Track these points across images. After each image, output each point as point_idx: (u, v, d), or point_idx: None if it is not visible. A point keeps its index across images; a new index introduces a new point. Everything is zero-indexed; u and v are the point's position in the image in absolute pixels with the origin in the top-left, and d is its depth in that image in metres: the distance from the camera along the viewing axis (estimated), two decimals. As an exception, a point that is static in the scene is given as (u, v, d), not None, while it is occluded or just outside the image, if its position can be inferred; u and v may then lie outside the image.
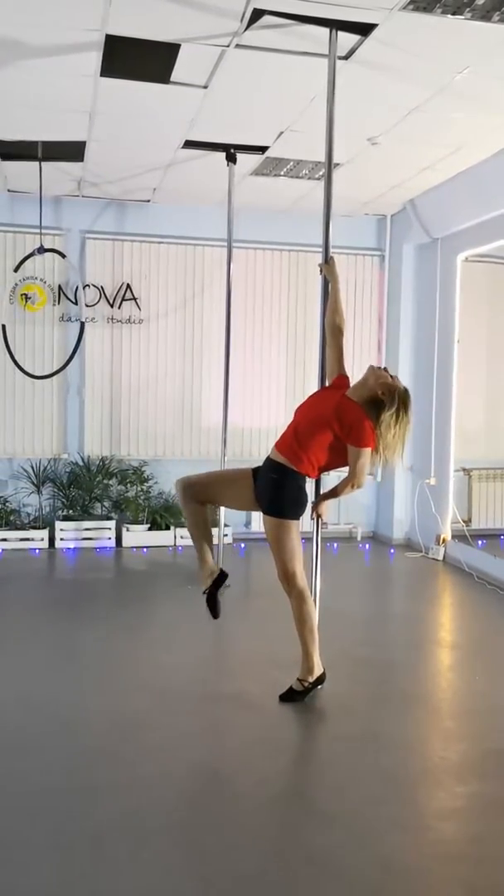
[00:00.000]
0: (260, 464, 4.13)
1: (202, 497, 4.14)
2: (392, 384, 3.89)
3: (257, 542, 7.71)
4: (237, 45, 4.24)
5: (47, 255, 7.35)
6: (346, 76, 4.39)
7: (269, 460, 4.02)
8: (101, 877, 2.54)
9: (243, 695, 4.04)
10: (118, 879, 2.53)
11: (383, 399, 3.83)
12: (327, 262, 4.17)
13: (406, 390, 3.95)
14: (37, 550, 7.30)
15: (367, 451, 3.84)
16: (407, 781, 3.22)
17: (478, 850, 2.75)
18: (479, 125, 5.33)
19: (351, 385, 4.04)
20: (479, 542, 7.02)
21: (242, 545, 7.68)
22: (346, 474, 3.93)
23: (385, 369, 4.00)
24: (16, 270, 7.38)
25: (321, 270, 4.20)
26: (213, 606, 4.13)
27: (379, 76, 4.55)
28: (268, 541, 4.03)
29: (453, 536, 7.20)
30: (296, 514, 3.94)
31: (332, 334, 4.16)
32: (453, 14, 3.83)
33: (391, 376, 3.94)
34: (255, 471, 4.11)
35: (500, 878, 2.59)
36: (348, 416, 3.82)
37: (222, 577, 4.14)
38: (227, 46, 4.25)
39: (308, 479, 3.98)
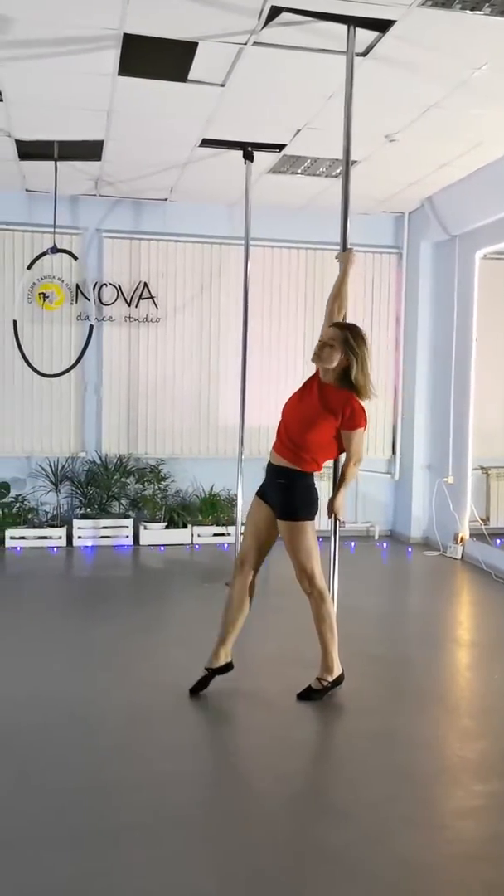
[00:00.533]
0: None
1: (253, 559, 4.06)
2: (336, 338, 3.85)
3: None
4: (255, 43, 4.23)
5: (64, 254, 7.39)
6: (363, 73, 4.37)
7: (272, 466, 4.00)
8: (118, 874, 2.55)
9: (260, 692, 4.04)
10: (135, 877, 2.54)
11: (348, 362, 3.82)
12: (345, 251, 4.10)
13: (350, 327, 3.93)
14: (55, 548, 7.34)
15: (362, 430, 3.87)
16: (424, 780, 3.21)
17: (496, 849, 2.74)
18: (497, 121, 5.30)
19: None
20: (497, 541, 6.98)
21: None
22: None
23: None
24: (29, 268, 7.42)
25: (338, 259, 4.15)
26: (200, 684, 4.00)
27: (397, 73, 4.53)
28: (284, 544, 4.01)
29: (471, 535, 7.17)
30: (309, 513, 3.93)
31: (328, 317, 4.13)
32: (472, 10, 3.81)
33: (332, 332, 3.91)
34: (261, 489, 4.08)
35: (519, 877, 2.58)
36: (335, 401, 3.83)
37: (214, 673, 4.02)
38: (245, 44, 4.25)
39: (316, 474, 3.98)
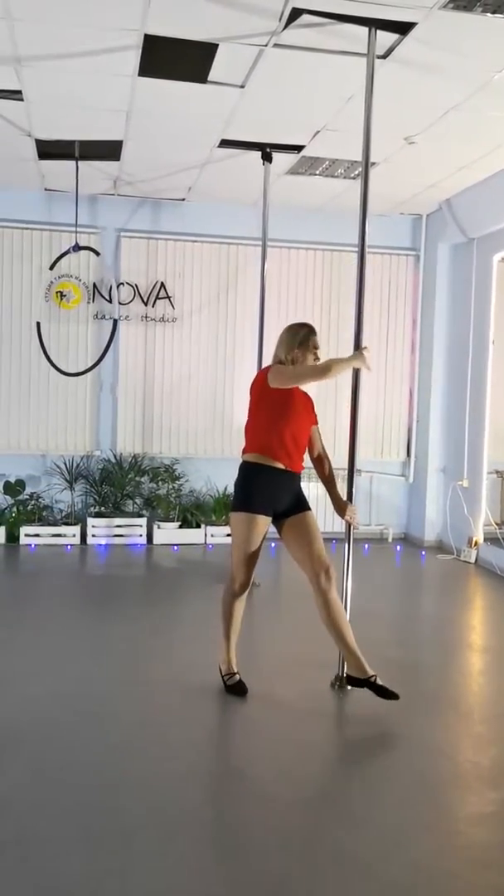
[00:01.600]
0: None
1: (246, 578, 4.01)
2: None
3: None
4: (275, 45, 4.23)
5: (82, 253, 7.43)
6: (383, 75, 4.37)
7: (290, 474, 3.93)
8: (129, 873, 2.55)
9: (272, 695, 4.04)
10: (145, 876, 2.54)
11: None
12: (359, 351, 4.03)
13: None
14: (69, 546, 7.37)
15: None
16: (437, 785, 3.20)
17: (509, 856, 2.72)
18: (517, 124, 5.28)
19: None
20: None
21: (273, 544, 7.67)
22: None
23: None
24: (51, 268, 7.46)
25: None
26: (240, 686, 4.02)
27: (417, 75, 4.52)
28: (311, 533, 3.94)
29: (486, 539, 7.14)
30: None
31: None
32: (494, 13, 3.79)
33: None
34: (270, 504, 3.93)
35: (532, 885, 2.56)
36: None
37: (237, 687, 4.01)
38: (266, 46, 4.25)
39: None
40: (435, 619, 5.84)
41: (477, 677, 4.56)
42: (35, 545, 7.31)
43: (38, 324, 7.45)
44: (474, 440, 7.30)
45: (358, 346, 4.11)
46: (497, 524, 7.21)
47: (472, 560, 7.16)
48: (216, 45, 4.29)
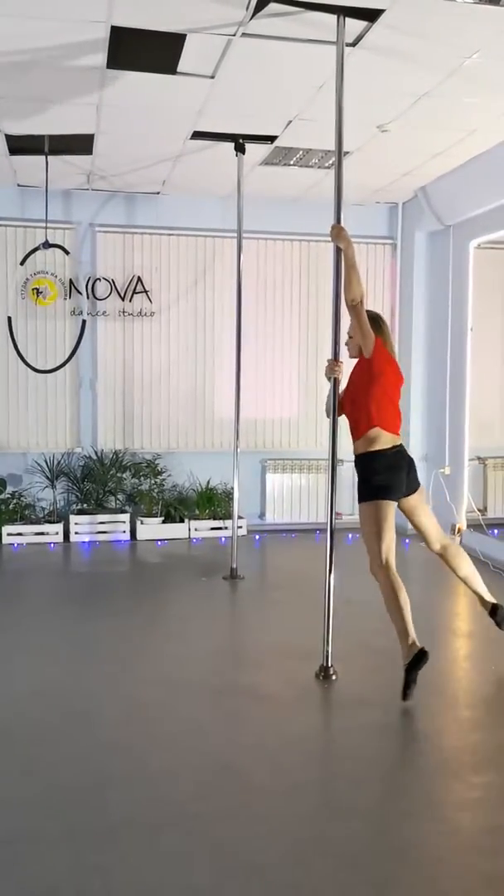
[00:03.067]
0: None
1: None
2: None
3: (272, 534, 7.72)
4: (243, 34, 4.20)
5: (57, 249, 7.36)
6: (354, 63, 4.34)
7: (402, 449, 4.18)
8: (116, 869, 2.55)
9: (258, 686, 4.04)
10: (133, 872, 2.53)
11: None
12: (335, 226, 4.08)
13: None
14: (52, 544, 7.33)
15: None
16: (423, 772, 3.21)
17: (495, 841, 2.74)
18: (490, 109, 5.27)
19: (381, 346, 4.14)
20: (494, 531, 6.97)
21: (257, 536, 7.68)
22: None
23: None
24: (22, 264, 7.39)
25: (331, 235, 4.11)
26: (407, 686, 3.82)
27: (388, 62, 4.50)
28: (419, 508, 4.31)
29: (468, 526, 7.16)
30: None
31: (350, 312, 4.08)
32: (462, -3, 3.78)
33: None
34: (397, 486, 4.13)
35: (517, 868, 2.58)
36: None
37: (422, 655, 3.87)
38: (234, 35, 4.22)
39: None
40: (419, 606, 5.80)
41: (461, 663, 4.58)
42: (18, 544, 7.27)
43: (10, 318, 7.38)
44: (455, 428, 7.32)
45: (336, 335, 4.12)
46: (479, 510, 7.24)
47: (456, 547, 7.18)
48: (184, 36, 4.26)
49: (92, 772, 3.17)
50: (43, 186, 6.92)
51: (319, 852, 2.65)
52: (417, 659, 3.83)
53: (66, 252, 7.47)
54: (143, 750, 3.36)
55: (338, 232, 4.09)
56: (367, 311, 4.14)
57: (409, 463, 4.21)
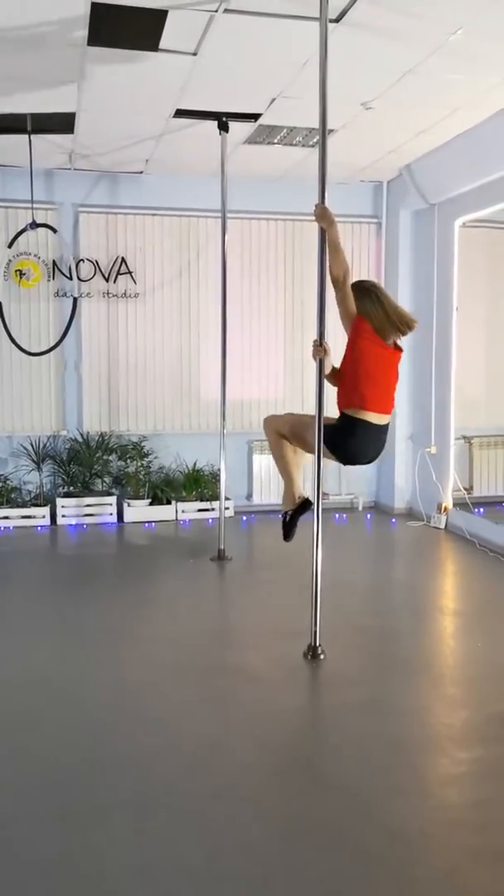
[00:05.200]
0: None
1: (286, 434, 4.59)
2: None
3: (259, 514, 7.73)
4: (226, 10, 4.15)
5: (40, 230, 7.30)
6: (337, 39, 4.30)
7: (382, 427, 4.33)
8: (106, 850, 2.56)
9: (246, 666, 4.06)
10: (123, 853, 2.55)
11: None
12: (318, 206, 4.10)
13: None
14: (39, 527, 7.32)
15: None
16: (409, 748, 3.25)
17: (481, 815, 2.77)
18: (474, 86, 5.24)
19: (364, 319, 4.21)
20: (480, 510, 7.02)
21: (244, 517, 7.69)
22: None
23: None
24: (9, 246, 7.32)
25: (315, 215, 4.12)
26: (289, 529, 4.53)
27: (371, 38, 4.46)
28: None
29: (455, 504, 7.20)
30: None
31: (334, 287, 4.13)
32: (446, -28, 3.74)
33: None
34: (357, 459, 4.46)
35: (503, 843, 2.61)
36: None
37: (306, 504, 4.47)
38: (216, 11, 4.16)
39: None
40: (406, 585, 5.90)
41: (448, 641, 4.62)
42: (4, 528, 7.25)
43: (0, 303, 7.33)
44: (441, 407, 7.34)
45: (322, 315, 4.11)
46: (465, 489, 7.28)
47: (442, 526, 7.23)
48: (166, 12, 4.19)
49: (81, 754, 3.19)
50: (22, 166, 6.83)
51: (308, 830, 2.67)
52: (303, 506, 4.49)
53: (54, 230, 7.39)
54: (132, 731, 3.37)
55: (321, 212, 4.07)
56: (363, 282, 4.28)
57: (384, 443, 4.46)
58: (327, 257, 4.07)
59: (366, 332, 4.18)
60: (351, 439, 4.27)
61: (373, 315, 4.19)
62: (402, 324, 4.24)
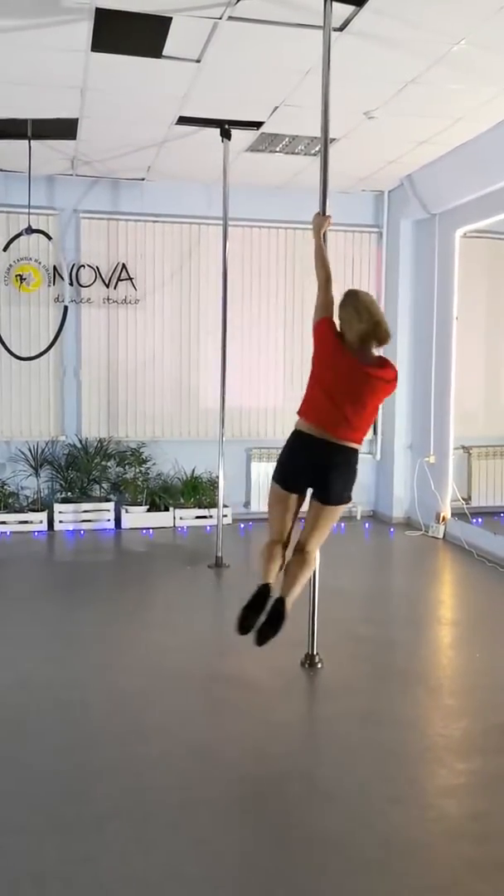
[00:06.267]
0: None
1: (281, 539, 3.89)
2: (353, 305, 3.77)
3: (257, 522, 7.71)
4: (230, 18, 4.15)
5: (41, 235, 7.29)
6: (341, 48, 4.31)
7: (332, 445, 3.70)
8: (103, 859, 2.54)
9: (243, 675, 4.04)
10: (119, 862, 2.53)
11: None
12: (320, 215, 4.05)
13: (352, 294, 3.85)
14: (36, 533, 7.29)
15: None
16: (408, 759, 3.23)
17: (480, 826, 2.75)
18: (476, 97, 5.25)
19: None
20: (478, 520, 7.00)
21: (242, 525, 7.67)
22: None
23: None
24: (4, 250, 7.31)
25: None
26: (242, 620, 3.69)
27: (374, 48, 4.47)
28: (320, 525, 3.82)
29: (453, 514, 7.19)
30: None
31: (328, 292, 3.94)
32: (450, -18, 3.75)
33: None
34: (296, 476, 3.81)
35: (503, 854, 2.59)
36: (395, 381, 3.87)
37: (263, 598, 3.72)
38: (220, 18, 4.17)
39: None
40: (404, 594, 5.88)
41: (446, 651, 4.60)
42: (1, 533, 7.22)
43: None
44: (440, 416, 7.34)
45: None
46: (464, 499, 7.27)
47: (441, 535, 7.21)
48: (170, 19, 4.20)
49: (77, 761, 3.16)
50: (25, 171, 6.84)
51: (305, 839, 2.65)
52: (260, 593, 3.71)
53: (49, 237, 7.40)
54: (128, 739, 3.35)
55: (320, 222, 4.06)
56: (348, 291, 3.86)
57: (326, 464, 3.72)
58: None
59: (320, 333, 3.87)
60: (283, 450, 3.85)
61: (343, 318, 3.79)
62: (371, 327, 3.71)
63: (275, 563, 3.84)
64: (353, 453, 3.80)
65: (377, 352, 3.84)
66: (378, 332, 3.73)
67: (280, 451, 3.93)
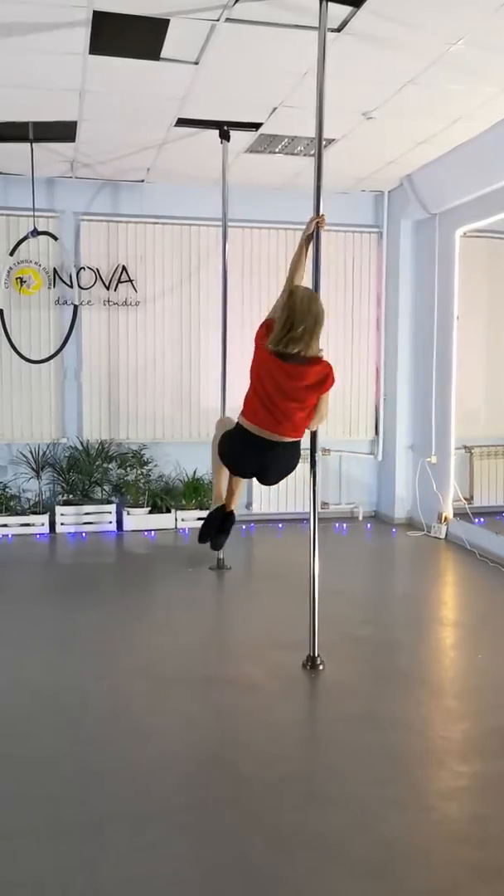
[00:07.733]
0: None
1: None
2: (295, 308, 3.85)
3: (259, 524, 7.71)
4: (227, 19, 4.15)
5: (41, 238, 7.30)
6: (338, 49, 4.30)
7: (278, 445, 3.98)
8: (101, 864, 2.54)
9: (244, 677, 4.03)
10: (118, 866, 2.52)
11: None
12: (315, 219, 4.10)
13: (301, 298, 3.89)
14: (38, 535, 7.29)
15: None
16: (409, 762, 3.22)
17: (481, 829, 2.74)
18: (475, 97, 5.24)
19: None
20: (480, 521, 6.99)
21: (243, 527, 7.66)
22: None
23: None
24: (11, 254, 7.32)
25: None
26: (203, 532, 4.54)
27: (373, 48, 4.46)
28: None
29: (455, 514, 7.18)
30: None
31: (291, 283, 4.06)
32: (447, -18, 3.74)
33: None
34: (243, 468, 4.24)
35: None
36: (330, 377, 3.96)
37: (225, 517, 4.47)
38: (217, 20, 4.17)
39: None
40: (406, 595, 5.87)
41: (448, 652, 4.59)
42: (3, 535, 7.22)
43: (1, 311, 7.33)
44: (442, 416, 7.32)
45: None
46: (466, 499, 7.25)
47: (443, 536, 7.20)
48: (167, 21, 4.20)
49: (76, 764, 3.16)
50: (26, 174, 6.84)
51: (306, 843, 2.64)
52: (223, 517, 4.48)
53: (55, 238, 7.40)
54: (128, 742, 3.34)
55: (317, 223, 4.07)
56: (290, 290, 3.94)
57: (268, 461, 4.05)
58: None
59: (257, 337, 4.02)
60: (230, 438, 4.12)
61: (279, 319, 3.88)
62: (298, 332, 3.80)
63: (225, 490, 4.53)
64: (295, 444, 4.06)
65: (323, 343, 3.96)
66: (305, 334, 3.82)
67: (229, 435, 4.14)
